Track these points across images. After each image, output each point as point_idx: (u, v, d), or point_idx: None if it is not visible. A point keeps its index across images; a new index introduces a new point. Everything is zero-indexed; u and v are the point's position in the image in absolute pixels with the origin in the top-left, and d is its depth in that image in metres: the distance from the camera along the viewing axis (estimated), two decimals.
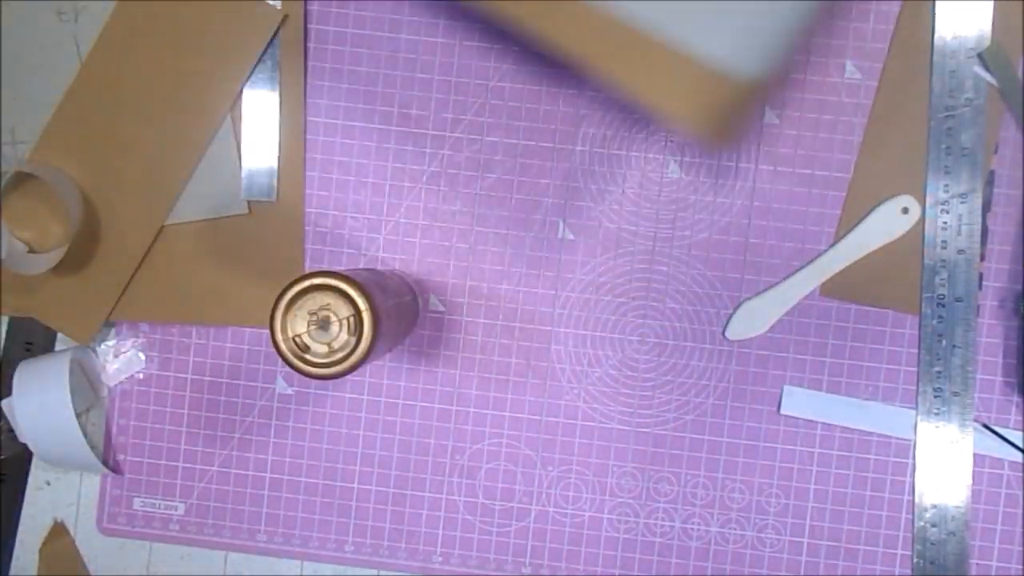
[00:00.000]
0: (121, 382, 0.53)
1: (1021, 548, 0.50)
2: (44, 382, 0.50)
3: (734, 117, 0.41)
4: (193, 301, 0.52)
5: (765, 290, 0.51)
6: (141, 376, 0.53)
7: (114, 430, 0.53)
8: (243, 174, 0.52)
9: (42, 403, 0.50)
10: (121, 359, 0.53)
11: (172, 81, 0.51)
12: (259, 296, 0.52)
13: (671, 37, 0.39)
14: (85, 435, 0.50)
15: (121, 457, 0.53)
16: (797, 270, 0.51)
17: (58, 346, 0.54)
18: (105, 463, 0.53)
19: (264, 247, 0.52)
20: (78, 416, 0.52)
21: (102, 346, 0.53)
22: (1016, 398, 0.50)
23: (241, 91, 0.51)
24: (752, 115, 0.42)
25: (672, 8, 0.40)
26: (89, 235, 0.51)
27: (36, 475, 0.54)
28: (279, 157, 0.52)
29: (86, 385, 0.53)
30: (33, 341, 0.54)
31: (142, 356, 0.53)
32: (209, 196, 0.52)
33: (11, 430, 0.51)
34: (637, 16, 0.40)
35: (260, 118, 0.52)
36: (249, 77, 0.51)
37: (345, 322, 0.41)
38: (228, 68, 0.51)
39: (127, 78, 0.51)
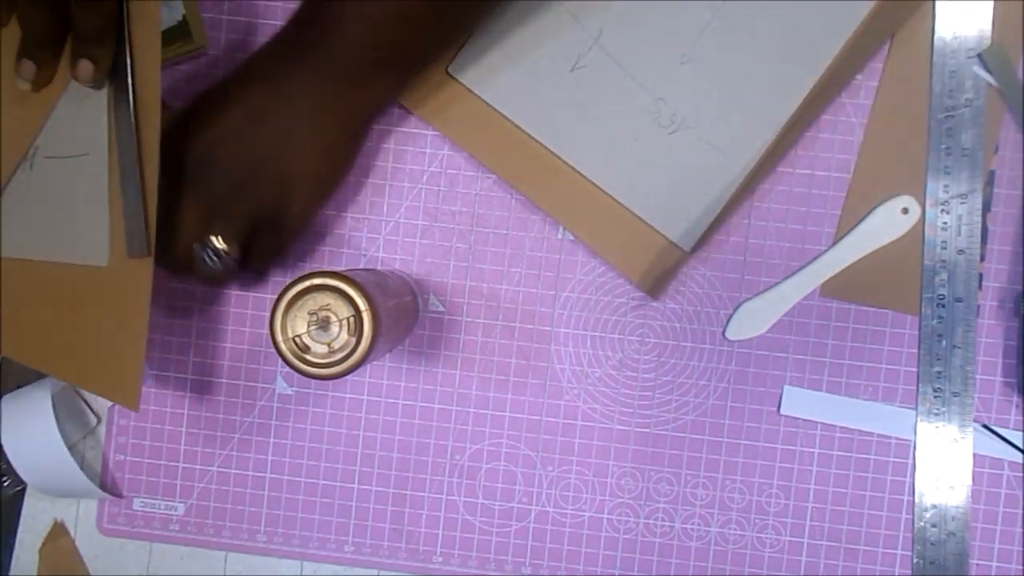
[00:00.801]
0: None
1: (1021, 548, 0.50)
2: (30, 415, 0.50)
3: (666, 275, 0.51)
4: (40, 346, 0.46)
5: (765, 290, 0.51)
6: None
7: (113, 445, 0.53)
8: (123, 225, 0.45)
9: (30, 437, 0.50)
10: None
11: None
12: (96, 360, 0.45)
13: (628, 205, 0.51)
14: (83, 461, 0.50)
15: (119, 475, 0.53)
16: (797, 270, 0.51)
17: None
18: (103, 486, 0.53)
19: (111, 306, 0.45)
20: (75, 443, 0.52)
21: None
22: (1016, 398, 0.50)
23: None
24: (676, 272, 0.51)
25: (630, 185, 0.50)
26: None
27: None
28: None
29: (81, 410, 0.53)
30: None
31: None
32: (74, 238, 0.45)
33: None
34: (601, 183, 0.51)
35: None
36: None
37: (345, 322, 0.41)
38: None
39: None
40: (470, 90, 0.51)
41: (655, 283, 0.51)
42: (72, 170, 0.45)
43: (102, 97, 0.45)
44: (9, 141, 0.45)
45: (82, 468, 0.50)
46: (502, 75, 0.50)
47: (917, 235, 0.50)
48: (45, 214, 0.46)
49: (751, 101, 0.50)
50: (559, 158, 0.50)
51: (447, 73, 0.51)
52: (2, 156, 0.46)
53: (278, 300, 0.41)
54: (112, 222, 0.45)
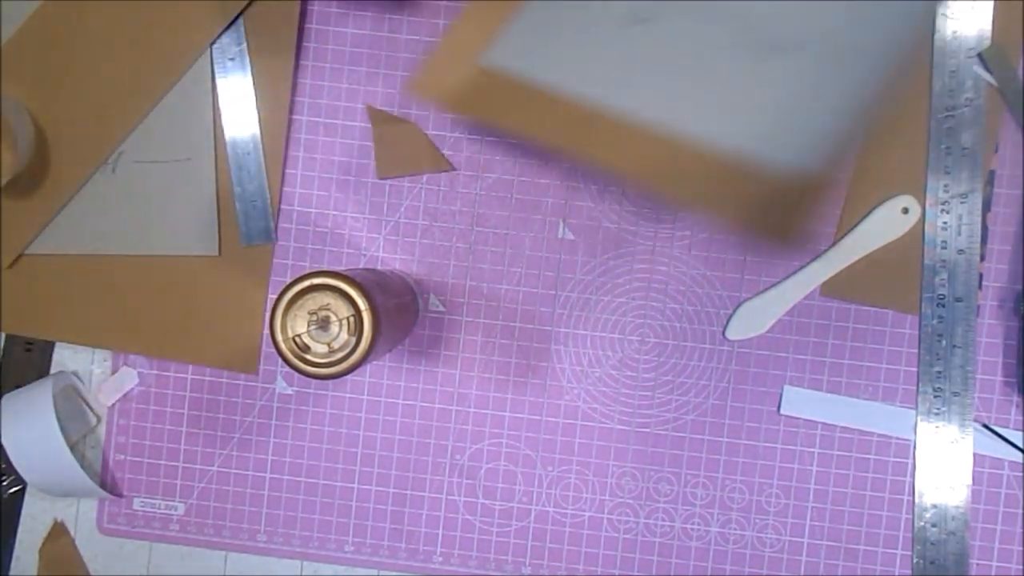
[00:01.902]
0: (119, 400, 0.53)
1: (1021, 548, 0.50)
2: (30, 415, 0.50)
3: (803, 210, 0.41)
4: (153, 334, 0.52)
5: (765, 290, 0.51)
6: (137, 392, 0.53)
7: (113, 445, 0.53)
8: (240, 219, 0.52)
9: (31, 436, 0.50)
10: (114, 379, 0.53)
11: (137, 22, 0.51)
12: (215, 338, 0.52)
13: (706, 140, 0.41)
14: (83, 460, 0.50)
15: (119, 475, 0.53)
16: (797, 270, 0.51)
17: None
18: (103, 485, 0.53)
19: (228, 290, 0.52)
20: (75, 443, 0.52)
21: (95, 370, 0.53)
22: (1016, 398, 0.50)
23: (209, 48, 0.51)
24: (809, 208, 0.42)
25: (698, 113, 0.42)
26: (32, 162, 0.51)
27: None
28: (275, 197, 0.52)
29: (81, 410, 0.53)
30: (33, 342, 0.54)
31: (134, 372, 0.53)
32: (183, 233, 0.52)
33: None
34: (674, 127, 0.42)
35: (249, 161, 0.52)
36: (219, 36, 0.51)
37: (345, 322, 0.41)
38: (196, 19, 0.51)
39: (91, 12, 0.51)
40: (514, 76, 0.45)
41: (788, 225, 0.41)
42: (173, 173, 0.52)
43: (206, 110, 0.51)
44: (86, 149, 0.52)
45: (82, 468, 0.50)
46: (549, 51, 0.45)
47: (917, 235, 0.50)
48: (142, 213, 0.52)
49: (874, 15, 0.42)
50: (637, 119, 0.43)
51: (478, 66, 0.46)
52: (75, 162, 0.52)
53: (278, 300, 0.41)
54: (221, 216, 0.52)
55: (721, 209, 0.41)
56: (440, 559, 0.53)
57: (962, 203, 0.49)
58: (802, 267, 0.51)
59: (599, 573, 0.52)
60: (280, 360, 0.41)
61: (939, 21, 0.49)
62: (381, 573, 0.53)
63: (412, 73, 0.46)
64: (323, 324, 0.41)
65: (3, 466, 0.51)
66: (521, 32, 0.46)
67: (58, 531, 0.54)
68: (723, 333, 0.51)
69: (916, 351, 0.50)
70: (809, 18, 0.42)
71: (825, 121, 0.41)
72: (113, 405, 0.53)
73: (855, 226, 0.50)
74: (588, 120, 0.44)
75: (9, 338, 0.54)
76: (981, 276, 0.50)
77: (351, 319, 0.41)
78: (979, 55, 0.49)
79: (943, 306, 0.50)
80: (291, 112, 0.52)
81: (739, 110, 0.42)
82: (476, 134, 0.52)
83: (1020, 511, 0.50)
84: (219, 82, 0.51)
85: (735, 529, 0.51)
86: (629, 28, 0.44)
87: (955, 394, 0.50)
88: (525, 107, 0.45)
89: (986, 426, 0.50)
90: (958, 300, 0.49)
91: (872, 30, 0.42)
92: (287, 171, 0.52)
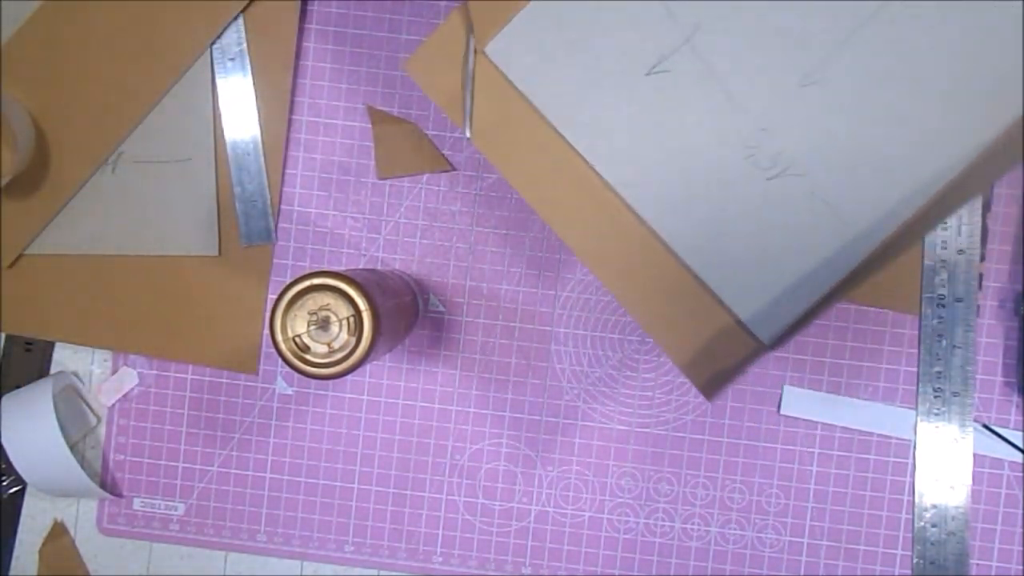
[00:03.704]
0: (119, 400, 0.53)
1: (1021, 548, 0.50)
2: (31, 415, 0.50)
3: (729, 371, 0.39)
4: (153, 334, 0.53)
5: None
6: (137, 392, 0.53)
7: (113, 445, 0.53)
8: (240, 219, 0.52)
9: (31, 436, 0.50)
10: (114, 379, 0.53)
11: (137, 22, 0.51)
12: (215, 338, 0.52)
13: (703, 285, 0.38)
14: (83, 460, 0.50)
15: (119, 475, 0.53)
16: None
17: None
18: (103, 485, 0.53)
19: (228, 290, 0.52)
20: (75, 443, 0.52)
21: (95, 370, 0.53)
22: (1016, 398, 0.50)
23: (209, 48, 0.51)
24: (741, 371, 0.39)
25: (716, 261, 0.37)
26: (32, 162, 0.51)
27: None
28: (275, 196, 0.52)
29: (81, 410, 0.53)
30: (33, 342, 0.54)
31: (134, 372, 0.53)
32: (183, 233, 0.52)
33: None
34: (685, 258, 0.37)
35: (249, 161, 0.52)
36: (219, 36, 0.51)
37: (345, 322, 0.41)
38: (196, 19, 0.51)
39: (91, 12, 0.51)
40: (504, 76, 0.39)
41: (712, 379, 0.38)
42: (173, 173, 0.52)
43: (206, 110, 0.51)
44: (86, 149, 0.52)
45: (82, 468, 0.50)
46: (551, 67, 0.38)
47: None
48: (142, 213, 0.52)
49: (895, 151, 0.36)
50: (611, 189, 0.38)
51: (481, 52, 0.40)
52: (74, 162, 0.51)
53: (278, 300, 0.41)
54: (221, 216, 0.52)
55: (660, 332, 0.38)
56: (440, 559, 0.53)
57: None
58: None
59: (599, 573, 0.52)
60: (280, 360, 0.41)
61: None
62: (381, 573, 0.53)
63: (412, 54, 0.43)
64: (323, 324, 0.41)
65: (3, 466, 0.51)
66: (530, 34, 0.40)
67: (58, 531, 0.54)
68: None
69: (916, 351, 0.50)
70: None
71: (795, 277, 0.37)
72: (113, 405, 0.53)
73: None
74: (565, 179, 0.38)
75: (9, 338, 0.54)
76: (981, 276, 0.50)
77: (351, 319, 0.41)
78: None
79: (943, 306, 0.50)
80: (291, 112, 0.52)
81: (719, 228, 0.37)
82: None
83: (1020, 511, 0.50)
84: (219, 82, 0.51)
85: (735, 529, 0.51)
86: (642, 75, 0.38)
87: (955, 394, 0.50)
88: (512, 129, 0.39)
89: (986, 426, 0.50)
90: (958, 300, 0.49)
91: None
92: (287, 171, 0.52)
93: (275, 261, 0.52)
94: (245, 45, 0.51)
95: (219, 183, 0.52)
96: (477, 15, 0.40)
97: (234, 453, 0.53)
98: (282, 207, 0.52)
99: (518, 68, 0.39)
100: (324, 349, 0.41)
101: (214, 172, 0.52)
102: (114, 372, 0.53)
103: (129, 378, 0.53)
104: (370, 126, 0.52)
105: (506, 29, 0.39)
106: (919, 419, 0.50)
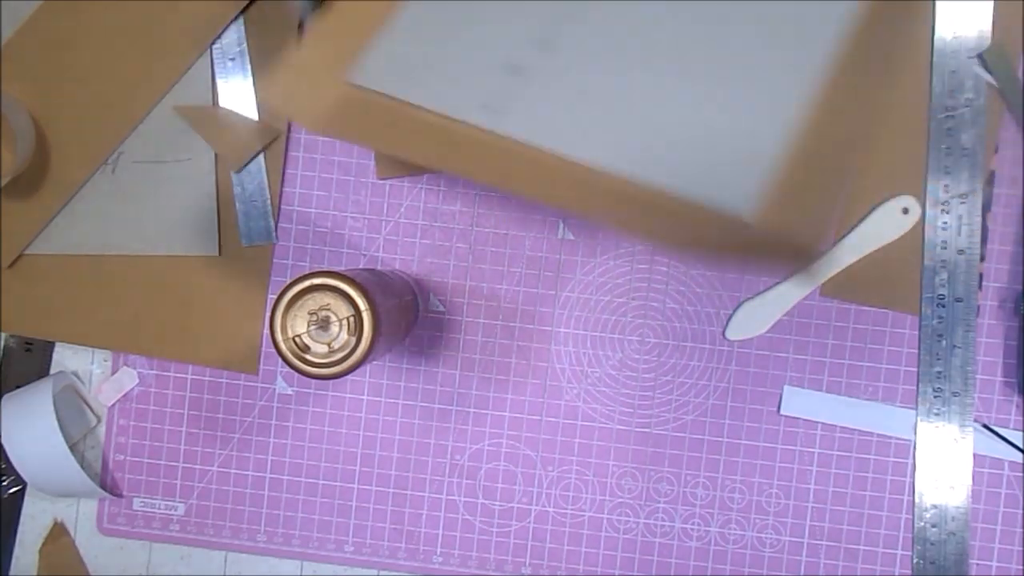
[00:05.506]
0: (119, 400, 0.53)
1: (1021, 548, 0.50)
2: (31, 415, 0.50)
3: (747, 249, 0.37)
4: (153, 334, 0.52)
5: (765, 290, 0.51)
6: (137, 392, 0.53)
7: (113, 445, 0.53)
8: (240, 219, 0.52)
9: (31, 436, 0.50)
10: (114, 379, 0.53)
11: (137, 22, 0.51)
12: (215, 338, 0.52)
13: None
14: (83, 460, 0.50)
15: (119, 475, 0.53)
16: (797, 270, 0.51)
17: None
18: (103, 485, 0.53)
19: (228, 290, 0.52)
20: (75, 443, 0.52)
21: (95, 370, 0.53)
22: (1016, 398, 0.50)
23: (209, 48, 0.51)
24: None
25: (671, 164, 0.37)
26: (32, 162, 0.51)
27: None
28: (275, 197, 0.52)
29: (81, 410, 0.53)
30: (33, 342, 0.54)
31: (134, 372, 0.53)
32: (183, 233, 0.52)
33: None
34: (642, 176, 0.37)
35: (250, 169, 0.52)
36: (220, 35, 0.51)
37: (345, 322, 0.41)
38: (196, 19, 0.51)
39: (91, 12, 0.51)
40: (388, 95, 0.39)
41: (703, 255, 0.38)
42: (173, 173, 0.52)
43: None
44: (86, 149, 0.52)
45: (82, 468, 0.50)
46: (429, 70, 0.39)
47: (917, 235, 0.50)
48: (142, 213, 0.52)
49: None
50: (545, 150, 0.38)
51: (349, 84, 0.40)
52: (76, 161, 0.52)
53: (278, 300, 0.41)
54: (221, 216, 0.52)
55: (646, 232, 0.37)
56: (440, 559, 0.53)
57: (962, 203, 0.49)
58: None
59: (599, 573, 0.52)
60: (280, 360, 0.41)
61: (939, 21, 0.49)
62: (381, 573, 0.53)
63: (266, 82, 0.41)
64: (323, 324, 0.41)
65: (3, 466, 0.51)
66: (398, 46, 0.40)
67: (58, 531, 0.54)
68: (723, 333, 0.51)
69: (916, 351, 0.50)
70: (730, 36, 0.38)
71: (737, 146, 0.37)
72: (113, 405, 0.53)
73: (855, 226, 0.50)
74: (487, 145, 0.37)
75: (9, 338, 0.54)
76: (981, 276, 0.50)
77: (351, 319, 0.41)
78: (979, 55, 0.49)
79: (943, 306, 0.50)
80: None
81: (660, 136, 0.38)
82: None
83: (1020, 511, 0.50)
84: (219, 82, 0.51)
85: (735, 529, 0.51)
86: (531, 54, 0.39)
87: (955, 394, 0.50)
88: (410, 130, 0.38)
89: (986, 426, 0.50)
90: (958, 300, 0.49)
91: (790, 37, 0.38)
92: (287, 171, 0.52)
93: (275, 261, 0.53)
94: (245, 45, 0.51)
95: (219, 183, 0.52)
96: (336, 35, 0.40)
97: (234, 453, 0.53)
98: (282, 207, 0.53)
99: (392, 82, 0.39)
100: (324, 349, 0.41)
101: (214, 172, 0.52)
102: (114, 372, 0.53)
103: (129, 378, 0.53)
104: None
105: (371, 50, 0.40)
106: (919, 419, 0.50)
